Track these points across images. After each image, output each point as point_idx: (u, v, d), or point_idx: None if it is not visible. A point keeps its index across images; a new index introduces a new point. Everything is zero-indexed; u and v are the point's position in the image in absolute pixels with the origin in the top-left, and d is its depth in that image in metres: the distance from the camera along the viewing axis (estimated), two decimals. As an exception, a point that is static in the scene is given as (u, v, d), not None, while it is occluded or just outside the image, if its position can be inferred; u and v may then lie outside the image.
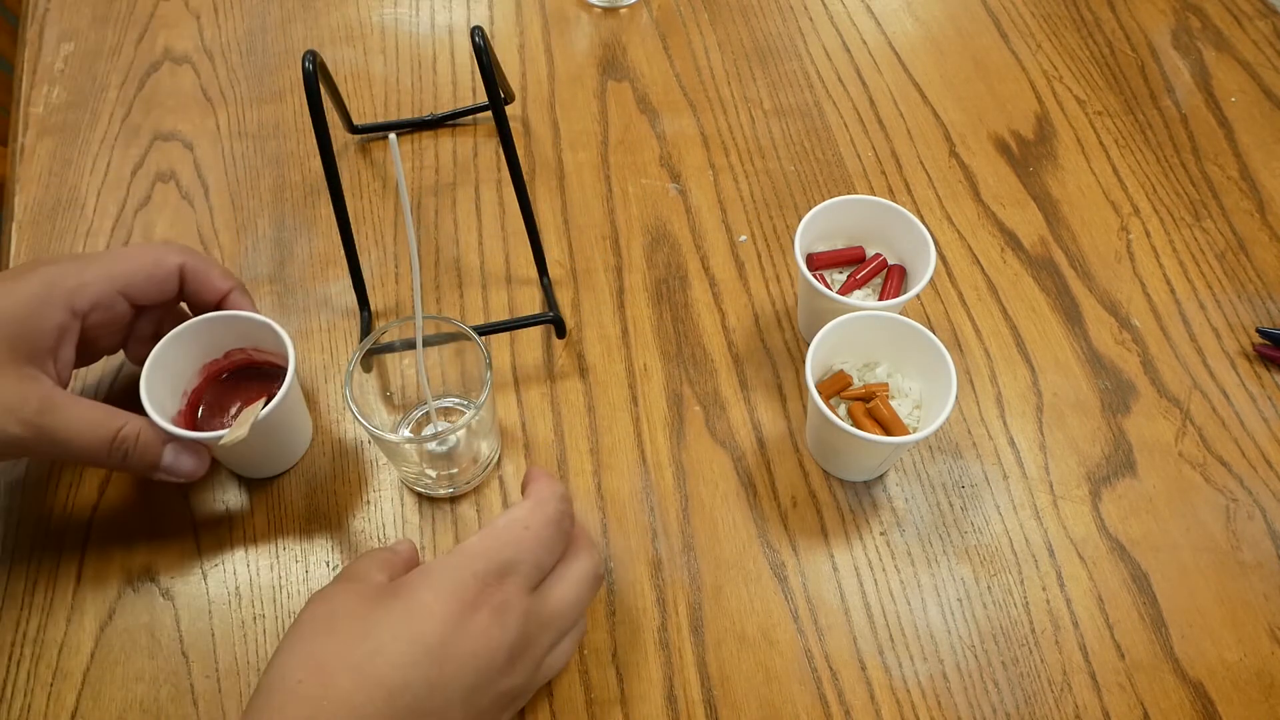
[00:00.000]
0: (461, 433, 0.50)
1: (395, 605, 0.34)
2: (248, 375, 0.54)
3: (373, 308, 0.61)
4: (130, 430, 0.45)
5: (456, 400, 0.56)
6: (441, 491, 0.53)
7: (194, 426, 0.52)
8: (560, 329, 0.59)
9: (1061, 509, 0.53)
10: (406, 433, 0.54)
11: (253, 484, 0.53)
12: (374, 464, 0.54)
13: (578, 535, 0.42)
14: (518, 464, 0.55)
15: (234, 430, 0.46)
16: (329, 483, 0.54)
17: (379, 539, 0.52)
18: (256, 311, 0.51)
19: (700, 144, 0.70)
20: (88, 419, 0.44)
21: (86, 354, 0.50)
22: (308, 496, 0.53)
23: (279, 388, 0.48)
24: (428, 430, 0.54)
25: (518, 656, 0.35)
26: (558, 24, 0.78)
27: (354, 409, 0.46)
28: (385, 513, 0.53)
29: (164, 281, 0.49)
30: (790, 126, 0.71)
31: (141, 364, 0.48)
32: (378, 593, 0.35)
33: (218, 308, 0.51)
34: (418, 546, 0.51)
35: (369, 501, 0.53)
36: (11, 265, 0.63)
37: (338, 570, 0.51)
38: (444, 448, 0.52)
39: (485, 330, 0.58)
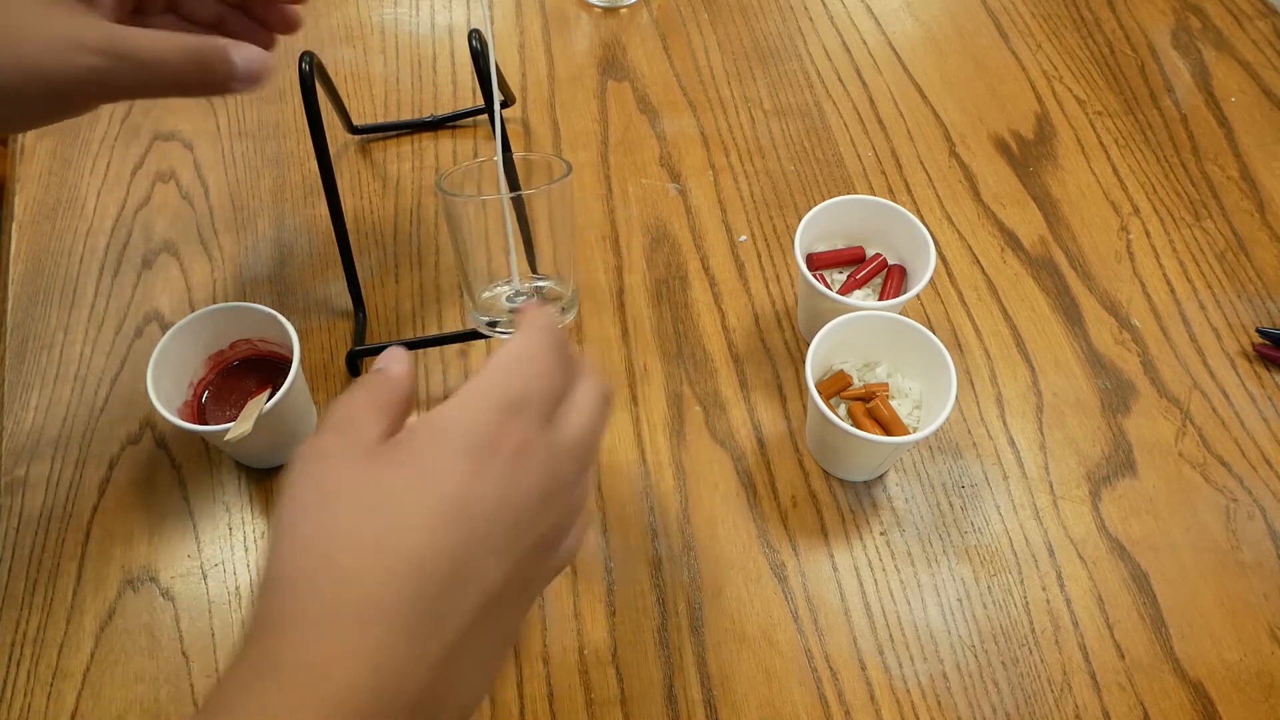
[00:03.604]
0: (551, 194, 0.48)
1: (405, 465, 0.29)
2: (253, 367, 0.54)
3: (371, 309, 0.61)
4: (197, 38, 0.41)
5: (540, 280, 0.53)
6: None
7: (200, 418, 0.52)
8: None
9: (1061, 509, 0.53)
10: (484, 319, 0.51)
11: (253, 484, 0.53)
12: (374, 464, 0.54)
13: (577, 363, 0.36)
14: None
15: (238, 425, 0.46)
16: (329, 483, 0.54)
17: (379, 539, 0.52)
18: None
19: (700, 144, 0.70)
20: (159, 36, 0.40)
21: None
22: (308, 496, 0.53)
23: (283, 380, 0.48)
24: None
25: (550, 496, 0.31)
26: (558, 24, 0.78)
27: (443, 190, 0.46)
28: (385, 513, 0.52)
29: None
30: (790, 126, 0.71)
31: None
32: (379, 452, 0.30)
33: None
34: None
35: (369, 501, 0.53)
36: (11, 265, 0.63)
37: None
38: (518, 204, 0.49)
39: (480, 335, 0.58)
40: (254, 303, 0.52)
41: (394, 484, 0.29)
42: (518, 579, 0.30)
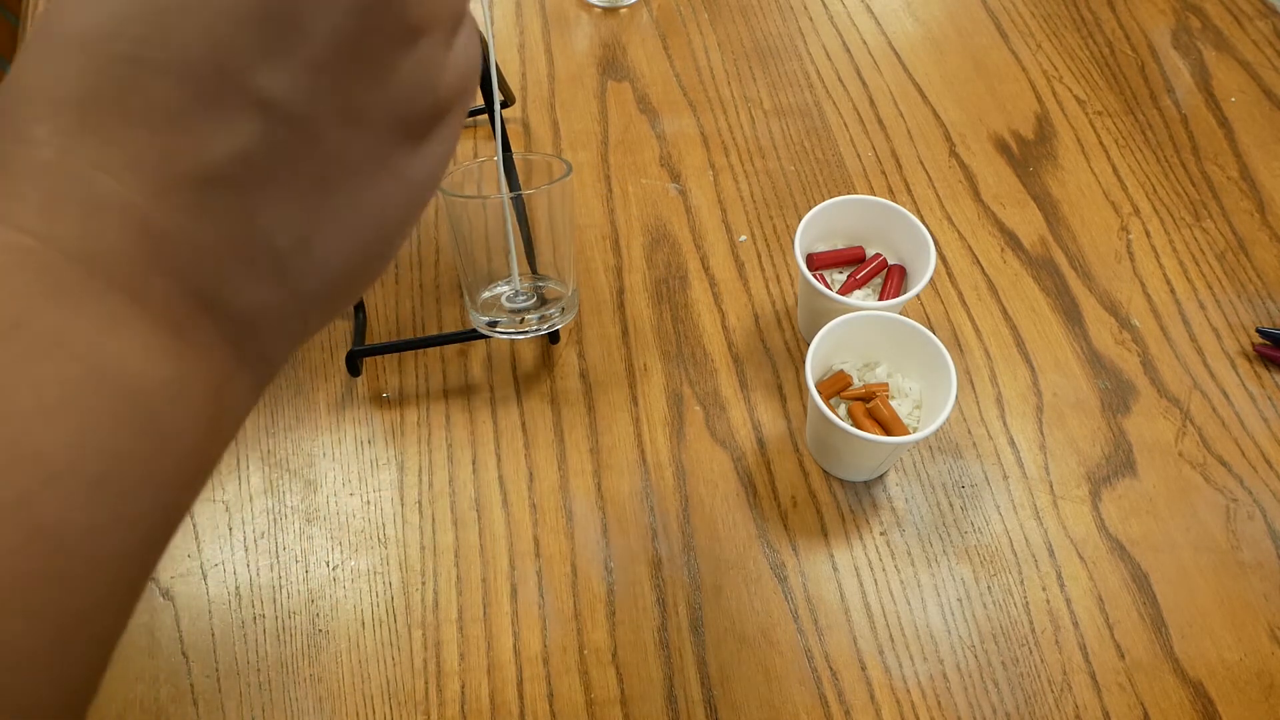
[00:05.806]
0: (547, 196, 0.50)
1: None
2: None
3: (371, 309, 0.61)
4: None
5: (540, 280, 0.53)
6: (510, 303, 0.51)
7: None
8: (553, 334, 0.59)
9: (1061, 509, 0.53)
10: (484, 319, 0.52)
11: (253, 484, 0.53)
12: (373, 464, 0.54)
13: None
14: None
15: None
16: (329, 483, 0.54)
17: (379, 539, 0.52)
18: None
19: (700, 144, 0.70)
20: None
21: None
22: (307, 497, 0.53)
23: None
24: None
25: None
26: (558, 24, 0.78)
27: (443, 190, 0.48)
28: (385, 513, 0.53)
29: None
30: (790, 126, 0.71)
31: None
32: None
33: None
34: (418, 548, 0.51)
35: (369, 502, 0.53)
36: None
37: (337, 570, 0.51)
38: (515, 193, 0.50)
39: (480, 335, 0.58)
40: None
41: None
42: (341, 83, 0.19)
